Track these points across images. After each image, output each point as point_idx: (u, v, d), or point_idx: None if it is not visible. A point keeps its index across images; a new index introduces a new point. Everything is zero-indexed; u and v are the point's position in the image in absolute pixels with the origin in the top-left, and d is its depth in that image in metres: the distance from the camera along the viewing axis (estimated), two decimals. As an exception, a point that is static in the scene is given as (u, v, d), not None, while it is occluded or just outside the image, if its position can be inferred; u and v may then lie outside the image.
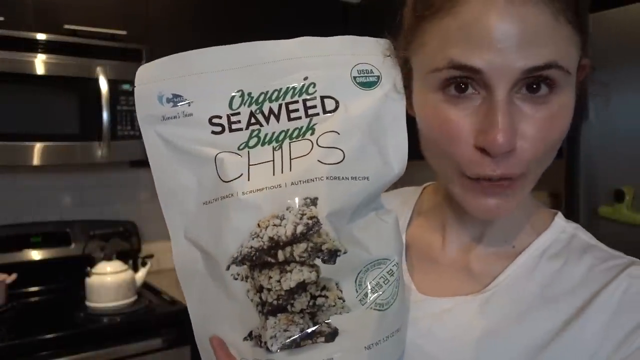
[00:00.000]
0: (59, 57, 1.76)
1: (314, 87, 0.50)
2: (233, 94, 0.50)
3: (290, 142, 0.49)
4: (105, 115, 1.80)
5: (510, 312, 0.50)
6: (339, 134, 0.48)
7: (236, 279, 0.46)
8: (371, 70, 0.50)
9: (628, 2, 1.39)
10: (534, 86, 0.42)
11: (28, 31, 1.73)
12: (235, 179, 0.47)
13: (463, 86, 0.43)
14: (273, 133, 0.49)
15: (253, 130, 0.49)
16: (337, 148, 0.47)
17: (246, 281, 0.46)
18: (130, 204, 2.28)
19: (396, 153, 0.50)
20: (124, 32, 1.91)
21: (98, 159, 1.84)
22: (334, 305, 0.46)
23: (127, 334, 1.64)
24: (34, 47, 1.72)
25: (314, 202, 0.45)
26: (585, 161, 1.49)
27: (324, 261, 0.45)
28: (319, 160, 0.47)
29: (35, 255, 1.98)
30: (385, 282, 0.48)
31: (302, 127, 0.49)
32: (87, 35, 1.83)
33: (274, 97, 0.50)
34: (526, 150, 0.43)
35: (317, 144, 0.48)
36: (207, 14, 2.15)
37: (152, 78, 0.52)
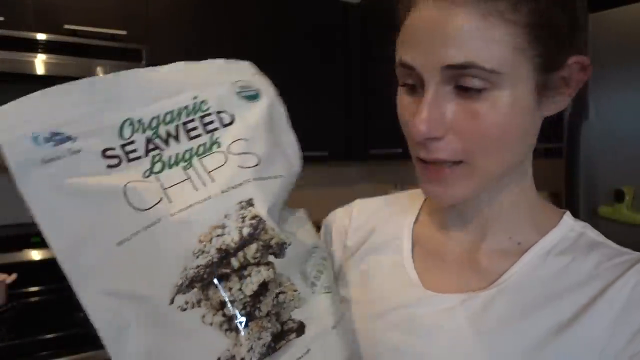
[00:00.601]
0: (59, 57, 1.76)
1: (206, 104, 0.51)
2: (121, 124, 0.48)
3: (199, 159, 0.48)
4: (105, 115, 1.80)
5: (516, 308, 0.50)
6: (247, 140, 0.50)
7: (185, 309, 0.43)
8: (250, 85, 0.55)
9: (628, 2, 1.39)
10: (464, 83, 0.45)
11: (28, 31, 1.73)
12: (155, 204, 0.45)
13: (411, 81, 0.49)
14: (177, 154, 0.48)
15: (154, 156, 0.48)
16: (250, 153, 0.50)
17: (199, 306, 0.43)
18: (130, 204, 2.28)
19: (293, 151, 0.56)
20: (124, 32, 1.92)
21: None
22: (292, 300, 0.46)
23: (127, 334, 1.64)
24: (34, 47, 1.72)
25: (250, 203, 0.46)
26: (585, 161, 1.49)
27: (276, 256, 0.46)
28: (239, 166, 0.49)
29: (35, 255, 1.98)
30: (324, 267, 0.52)
31: (205, 143, 0.49)
32: (87, 35, 1.83)
33: (167, 119, 0.49)
34: (454, 141, 0.47)
35: (230, 152, 0.49)
36: (207, 14, 2.15)
37: (14, 121, 0.44)
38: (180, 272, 0.43)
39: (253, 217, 0.46)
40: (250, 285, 0.44)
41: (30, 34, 1.72)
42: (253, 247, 0.45)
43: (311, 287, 0.49)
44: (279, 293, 0.46)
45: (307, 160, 2.40)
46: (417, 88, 0.49)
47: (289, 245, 0.47)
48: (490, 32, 0.44)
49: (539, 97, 0.48)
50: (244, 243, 0.44)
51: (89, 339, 1.58)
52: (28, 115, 0.45)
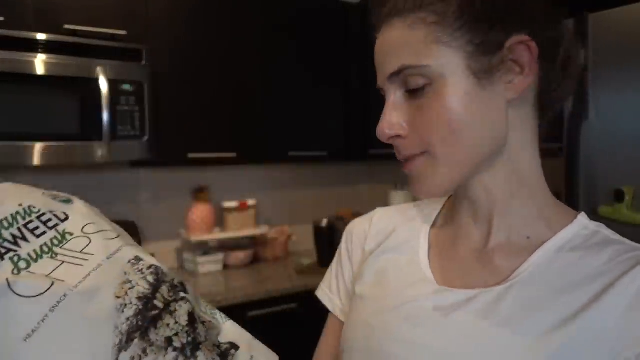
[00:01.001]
0: (59, 57, 1.76)
1: (34, 207, 0.50)
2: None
3: (60, 247, 0.48)
4: (105, 115, 1.80)
5: (527, 302, 0.51)
6: (94, 223, 0.51)
7: None
8: (55, 196, 0.53)
9: (628, 2, 1.39)
10: (409, 85, 0.53)
11: (28, 31, 1.73)
12: (50, 287, 0.43)
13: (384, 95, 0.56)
14: (34, 250, 0.47)
15: (12, 258, 0.45)
16: (105, 230, 0.50)
17: (146, 355, 0.42)
18: (130, 204, 2.28)
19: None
20: (124, 32, 1.92)
21: (98, 159, 1.84)
22: (213, 328, 0.49)
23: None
24: (34, 47, 1.72)
25: (137, 259, 0.48)
26: (585, 161, 1.49)
27: (184, 292, 0.47)
28: (105, 239, 0.49)
29: (35, 255, 1.98)
30: (208, 303, 0.53)
31: (56, 236, 0.49)
32: (87, 35, 1.83)
33: (6, 225, 0.48)
34: (415, 137, 0.53)
35: (87, 234, 0.49)
36: (207, 14, 2.15)
37: None
38: (113, 332, 0.42)
39: (149, 267, 0.47)
40: (182, 316, 0.45)
41: (30, 34, 1.72)
42: (164, 288, 0.46)
43: (215, 317, 0.51)
44: (202, 322, 0.47)
45: (307, 160, 2.40)
46: None
47: (186, 283, 0.49)
48: (416, 37, 0.52)
49: (481, 81, 0.51)
50: (155, 288, 0.46)
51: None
52: None
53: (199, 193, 2.36)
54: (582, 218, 0.56)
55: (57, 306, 0.42)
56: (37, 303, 0.42)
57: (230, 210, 2.40)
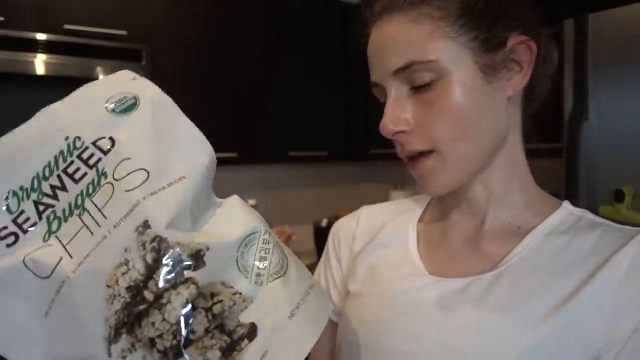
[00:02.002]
0: (59, 57, 1.76)
1: (79, 140, 0.47)
2: (4, 200, 0.46)
3: (90, 199, 0.45)
4: (105, 115, 1.80)
5: (520, 286, 0.51)
6: (130, 159, 0.46)
7: (125, 356, 0.40)
8: (124, 97, 0.49)
9: (628, 2, 1.39)
10: (415, 81, 0.52)
11: (28, 31, 1.73)
12: (55, 266, 0.43)
13: (384, 97, 0.55)
14: (70, 204, 0.45)
15: (48, 217, 0.46)
16: (137, 170, 0.45)
17: (135, 350, 0.41)
18: (130, 204, 2.28)
19: (196, 142, 0.49)
20: (124, 32, 1.92)
21: None
22: (235, 304, 0.42)
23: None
24: (34, 47, 1.72)
25: (146, 225, 0.42)
26: (585, 161, 1.49)
27: (194, 269, 0.41)
28: (126, 190, 0.44)
29: (35, 255, 1.98)
30: (267, 252, 0.46)
31: (93, 180, 0.46)
32: (87, 35, 1.83)
33: (47, 173, 0.46)
34: (421, 132, 0.52)
35: (115, 179, 0.45)
36: (207, 14, 2.15)
37: None
38: (103, 324, 0.41)
39: (153, 240, 0.41)
40: (173, 311, 0.40)
41: (30, 34, 1.72)
42: (163, 269, 0.41)
43: (256, 279, 0.44)
44: (214, 304, 0.42)
45: (307, 160, 2.40)
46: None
47: (207, 250, 0.42)
48: (421, 32, 0.51)
49: (487, 77, 0.52)
50: (151, 271, 0.41)
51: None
52: None
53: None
54: (567, 205, 0.58)
55: (58, 292, 0.43)
56: (47, 284, 0.43)
57: (230, 210, 2.40)
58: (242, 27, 2.24)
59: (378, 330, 0.57)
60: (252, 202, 2.46)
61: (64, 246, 0.44)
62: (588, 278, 0.49)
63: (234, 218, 0.48)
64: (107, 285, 0.41)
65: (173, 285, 0.41)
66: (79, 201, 0.45)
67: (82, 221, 0.44)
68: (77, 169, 0.46)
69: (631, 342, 0.46)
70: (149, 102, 0.48)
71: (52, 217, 0.46)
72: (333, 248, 0.72)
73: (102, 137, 0.46)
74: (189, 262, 0.41)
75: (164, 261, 0.41)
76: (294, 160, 2.45)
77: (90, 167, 0.46)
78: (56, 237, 0.45)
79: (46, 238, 0.45)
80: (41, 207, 0.46)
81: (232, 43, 2.21)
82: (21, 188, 0.46)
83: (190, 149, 0.48)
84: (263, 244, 0.46)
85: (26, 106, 2.00)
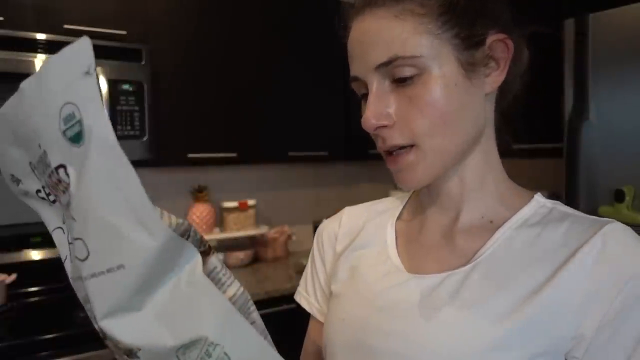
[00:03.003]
0: (59, 57, 1.76)
1: (47, 156, 0.40)
2: (29, 166, 0.45)
3: (68, 221, 0.43)
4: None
5: (492, 279, 0.52)
6: (75, 220, 0.40)
7: None
8: (72, 113, 0.38)
9: (628, 2, 1.39)
10: (397, 75, 0.52)
11: (28, 31, 1.73)
12: (64, 260, 0.45)
13: (363, 90, 0.56)
14: (65, 204, 0.43)
15: (60, 202, 0.45)
16: (79, 239, 0.40)
17: None
18: (130, 204, 2.28)
19: (145, 214, 0.38)
20: (124, 32, 1.91)
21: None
22: None
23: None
24: (34, 47, 1.72)
25: (90, 303, 0.40)
26: (585, 161, 1.49)
27: (129, 357, 0.41)
28: (76, 257, 0.40)
29: (35, 255, 1.98)
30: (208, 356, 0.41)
31: (69, 201, 0.41)
32: (87, 35, 1.83)
33: (40, 168, 0.43)
34: (402, 127, 0.53)
35: (70, 233, 0.41)
36: (207, 14, 2.15)
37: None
38: None
39: (94, 318, 0.40)
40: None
41: (30, 34, 1.72)
42: (110, 343, 0.41)
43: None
44: None
45: (307, 160, 2.40)
46: (367, 95, 0.55)
47: (139, 350, 0.40)
48: (404, 27, 0.51)
49: (467, 73, 0.53)
50: (104, 336, 0.41)
51: (89, 339, 1.58)
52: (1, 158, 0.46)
53: (199, 193, 2.36)
54: (539, 197, 0.59)
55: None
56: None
57: (230, 210, 2.40)
58: (242, 27, 2.23)
59: (357, 329, 0.58)
60: (252, 202, 2.46)
61: (68, 244, 0.44)
62: (556, 271, 0.50)
63: (192, 309, 0.41)
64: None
65: (120, 355, 0.42)
66: (68, 212, 0.43)
67: (69, 236, 0.44)
68: (58, 181, 0.41)
69: (597, 340, 0.47)
70: (95, 142, 0.37)
71: (59, 205, 0.45)
72: (317, 250, 0.73)
73: (61, 166, 0.40)
74: (125, 352, 0.41)
75: (107, 341, 0.41)
76: (294, 160, 2.45)
77: (65, 188, 0.41)
78: (66, 227, 0.45)
79: (63, 220, 0.45)
80: (52, 195, 0.45)
81: (232, 43, 2.21)
82: (34, 166, 0.44)
83: (137, 224, 0.38)
84: (205, 354, 0.41)
85: (26, 106, 1.95)
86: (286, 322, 2.09)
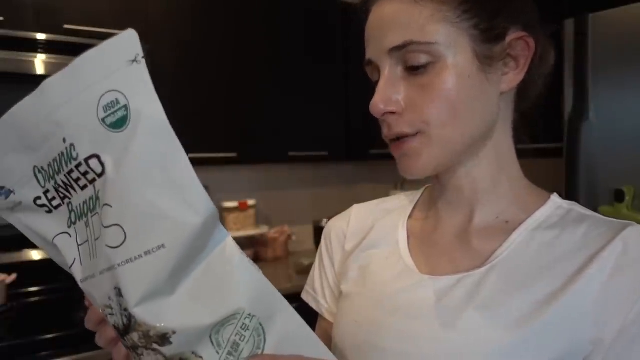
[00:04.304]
0: (59, 57, 1.76)
1: (74, 149, 0.40)
2: (33, 172, 0.44)
3: (91, 216, 0.42)
4: (105, 115, 1.80)
5: (509, 282, 0.51)
6: (111, 206, 0.39)
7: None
8: (115, 100, 0.39)
9: (628, 2, 1.39)
10: (410, 62, 0.51)
11: (28, 31, 1.73)
12: (72, 264, 0.44)
13: (376, 75, 0.55)
14: (79, 205, 0.43)
15: (68, 204, 0.43)
16: (116, 225, 0.39)
17: None
18: (130, 204, 2.28)
19: (190, 194, 0.39)
20: (124, 32, 1.91)
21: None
22: None
23: (127, 334, 1.64)
24: (34, 47, 1.72)
25: (120, 293, 0.40)
26: (585, 161, 1.49)
27: (160, 345, 0.40)
28: (107, 245, 0.40)
29: (35, 255, 1.98)
30: (242, 339, 0.42)
31: (92, 197, 0.41)
32: (87, 35, 1.83)
33: (56, 167, 0.42)
34: (411, 114, 0.52)
35: (102, 222, 0.40)
36: (207, 14, 2.15)
37: None
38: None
39: (125, 309, 0.40)
40: None
41: (30, 34, 1.72)
42: (135, 335, 0.41)
43: (227, 357, 0.42)
44: None
45: (307, 160, 2.40)
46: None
47: (173, 334, 0.40)
48: (422, 13, 0.51)
49: (482, 66, 0.52)
50: (126, 330, 0.41)
51: (89, 339, 1.57)
52: None
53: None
54: (555, 198, 0.58)
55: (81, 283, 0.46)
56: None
57: (230, 210, 2.41)
58: (242, 26, 2.23)
59: (370, 331, 0.57)
60: (252, 202, 2.46)
61: (78, 246, 0.44)
62: (575, 275, 0.49)
63: (224, 287, 0.42)
64: (102, 310, 0.44)
65: (144, 347, 0.41)
66: (85, 209, 0.43)
67: (87, 234, 0.43)
68: (79, 179, 0.42)
69: (616, 346, 0.46)
70: (144, 124, 0.39)
71: (70, 207, 0.44)
72: (326, 249, 0.72)
73: (94, 156, 0.40)
74: (156, 339, 0.41)
75: (135, 329, 0.41)
76: (294, 160, 2.45)
77: (89, 182, 0.42)
78: (75, 229, 0.44)
79: (69, 224, 0.45)
80: (61, 194, 0.44)
81: (232, 43, 2.21)
82: (42, 169, 0.43)
83: (182, 202, 0.39)
84: (241, 329, 0.42)
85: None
86: (286, 322, 2.09)
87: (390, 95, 0.52)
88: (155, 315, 0.40)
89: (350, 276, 0.64)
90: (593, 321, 0.47)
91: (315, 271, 0.73)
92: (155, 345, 0.41)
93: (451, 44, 0.50)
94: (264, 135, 2.31)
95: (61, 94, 0.40)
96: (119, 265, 0.40)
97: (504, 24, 0.52)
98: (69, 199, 0.44)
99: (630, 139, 1.41)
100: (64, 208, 0.44)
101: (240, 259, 0.42)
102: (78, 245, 0.44)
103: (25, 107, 0.42)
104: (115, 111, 0.39)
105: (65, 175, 0.42)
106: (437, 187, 0.62)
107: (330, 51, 2.50)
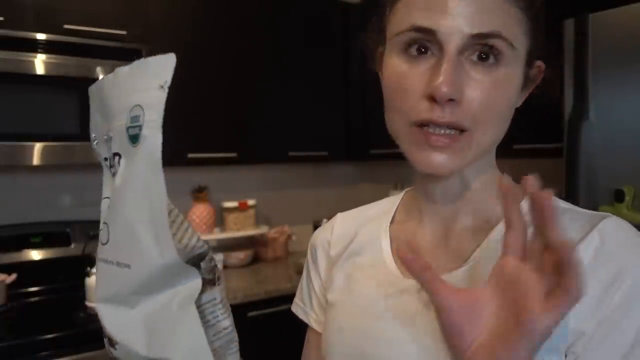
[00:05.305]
0: (59, 57, 1.76)
1: (111, 140, 0.44)
2: (106, 135, 0.47)
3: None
4: (105, 115, 1.80)
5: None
6: (109, 207, 0.43)
7: None
8: (137, 116, 0.41)
9: (628, 2, 1.39)
10: (483, 55, 0.48)
11: (28, 31, 1.73)
12: (101, 229, 0.46)
13: (423, 49, 0.50)
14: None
15: (115, 177, 0.46)
16: (106, 224, 0.43)
17: None
18: (130, 204, 2.28)
19: (163, 237, 0.40)
20: (124, 32, 1.91)
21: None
22: None
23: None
24: (34, 47, 1.72)
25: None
26: (585, 161, 1.49)
27: (109, 344, 0.44)
28: (99, 237, 0.44)
29: (35, 255, 1.98)
30: None
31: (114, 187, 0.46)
32: (87, 35, 1.83)
33: (110, 145, 0.46)
34: (470, 106, 0.49)
35: (102, 215, 0.45)
36: (207, 14, 2.15)
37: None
38: None
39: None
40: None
41: (30, 34, 1.72)
42: (100, 323, 0.46)
43: None
44: None
45: (307, 160, 2.39)
46: (422, 55, 0.50)
47: (116, 343, 0.43)
48: (510, 12, 0.49)
49: (522, 85, 0.53)
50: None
51: (89, 339, 1.58)
52: (91, 116, 0.50)
53: (199, 193, 2.36)
54: None
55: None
56: None
57: (230, 210, 2.40)
58: (242, 26, 2.23)
59: (356, 338, 0.57)
60: (252, 202, 2.46)
61: (103, 221, 0.47)
62: None
63: (166, 330, 0.42)
64: None
65: (104, 334, 0.45)
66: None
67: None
68: (113, 166, 0.46)
69: (596, 336, 0.46)
70: (144, 151, 0.41)
71: (114, 179, 0.47)
72: (312, 260, 0.72)
73: (118, 154, 0.44)
74: (107, 338, 0.44)
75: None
76: (294, 160, 2.45)
77: (115, 173, 0.45)
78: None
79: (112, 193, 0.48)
80: (114, 166, 0.46)
81: (232, 43, 2.21)
82: (109, 139, 0.45)
83: (153, 237, 0.40)
84: None
85: (26, 106, 2.00)
86: (286, 322, 2.09)
87: (457, 80, 0.48)
88: (109, 318, 0.43)
89: (335, 284, 0.64)
90: (573, 313, 0.47)
91: (302, 283, 0.74)
92: (106, 340, 0.45)
93: (520, 53, 0.51)
94: (264, 135, 2.31)
95: (118, 85, 0.44)
96: (99, 259, 0.44)
97: (537, 51, 0.54)
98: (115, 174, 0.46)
99: (630, 139, 1.41)
100: (115, 178, 0.47)
101: (193, 312, 0.42)
102: (103, 221, 0.47)
103: (107, 81, 0.45)
104: (135, 126, 0.41)
105: (112, 155, 0.45)
106: (424, 188, 0.61)
107: (330, 51, 2.50)
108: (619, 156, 1.43)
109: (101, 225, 0.45)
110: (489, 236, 0.55)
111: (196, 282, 0.43)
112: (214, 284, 0.44)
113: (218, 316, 0.45)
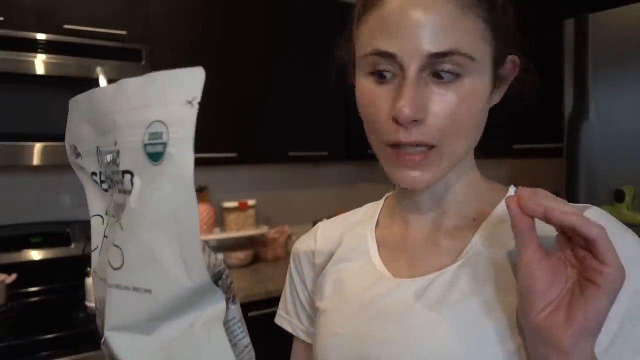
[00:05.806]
0: (59, 57, 1.76)
1: (118, 156, 0.40)
2: (96, 150, 0.44)
3: (116, 221, 0.42)
4: (105, 115, 1.80)
5: (478, 276, 0.53)
6: (122, 229, 0.40)
7: None
8: (160, 133, 0.38)
9: (628, 2, 1.39)
10: (444, 72, 0.49)
11: (28, 31, 1.73)
12: (93, 249, 0.45)
13: (386, 71, 0.51)
14: (116, 202, 0.43)
15: (111, 194, 0.43)
16: (118, 247, 0.40)
17: None
18: (130, 204, 2.28)
19: (192, 259, 0.37)
20: (124, 32, 1.91)
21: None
22: None
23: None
24: (34, 47, 1.72)
25: (104, 307, 0.41)
26: (585, 161, 1.49)
27: None
28: (108, 261, 0.40)
29: (35, 255, 1.98)
30: None
31: (122, 204, 0.41)
32: (87, 35, 1.83)
33: (108, 160, 0.42)
34: (435, 123, 0.50)
35: (111, 236, 0.42)
36: (207, 14, 2.15)
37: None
38: None
39: (102, 328, 0.41)
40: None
41: (30, 34, 1.72)
42: (105, 349, 0.42)
43: None
44: None
45: (307, 160, 2.39)
46: (387, 78, 0.51)
47: None
48: (466, 23, 0.49)
49: (493, 89, 0.54)
50: (102, 339, 0.42)
51: (89, 339, 1.58)
52: (70, 126, 0.48)
53: (199, 193, 2.36)
54: (512, 189, 0.59)
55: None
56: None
57: (230, 210, 2.40)
58: (242, 27, 2.23)
59: (352, 341, 0.57)
60: (252, 202, 2.46)
61: (104, 236, 0.45)
62: None
63: (189, 353, 0.40)
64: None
65: None
66: (117, 210, 0.42)
67: (110, 233, 0.44)
68: (118, 182, 0.42)
69: None
70: (172, 170, 0.38)
71: (112, 197, 0.44)
72: (296, 270, 0.72)
73: (129, 172, 0.40)
74: None
75: (103, 346, 0.42)
76: (294, 160, 2.45)
77: (123, 192, 0.41)
78: (107, 220, 0.46)
79: (107, 212, 0.46)
80: (108, 182, 0.44)
81: (232, 43, 2.21)
82: (101, 152, 0.43)
83: (180, 261, 0.38)
84: None
85: (26, 106, 2.00)
86: (286, 322, 2.09)
87: (418, 101, 0.49)
88: (122, 346, 0.40)
89: (325, 292, 0.64)
90: None
91: (286, 293, 0.73)
92: None
93: (481, 62, 0.50)
94: (264, 135, 2.31)
95: (127, 99, 0.40)
96: (110, 284, 0.40)
97: (507, 49, 0.54)
98: (112, 191, 0.44)
99: (630, 139, 1.41)
100: (108, 195, 0.45)
101: (220, 333, 0.41)
102: (104, 235, 0.45)
103: (104, 94, 0.42)
104: (156, 143, 0.38)
105: (111, 172, 0.42)
106: (406, 193, 0.62)
107: (330, 51, 2.49)
108: (619, 156, 1.43)
109: (105, 240, 0.43)
110: (476, 232, 0.56)
111: (222, 304, 0.41)
112: (233, 302, 0.44)
113: (238, 334, 0.44)
